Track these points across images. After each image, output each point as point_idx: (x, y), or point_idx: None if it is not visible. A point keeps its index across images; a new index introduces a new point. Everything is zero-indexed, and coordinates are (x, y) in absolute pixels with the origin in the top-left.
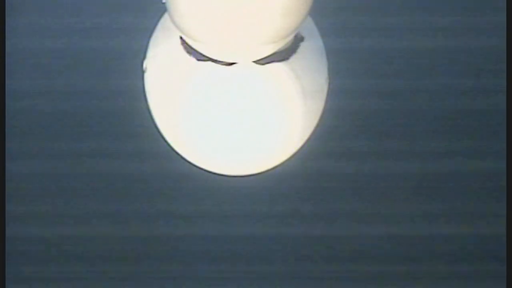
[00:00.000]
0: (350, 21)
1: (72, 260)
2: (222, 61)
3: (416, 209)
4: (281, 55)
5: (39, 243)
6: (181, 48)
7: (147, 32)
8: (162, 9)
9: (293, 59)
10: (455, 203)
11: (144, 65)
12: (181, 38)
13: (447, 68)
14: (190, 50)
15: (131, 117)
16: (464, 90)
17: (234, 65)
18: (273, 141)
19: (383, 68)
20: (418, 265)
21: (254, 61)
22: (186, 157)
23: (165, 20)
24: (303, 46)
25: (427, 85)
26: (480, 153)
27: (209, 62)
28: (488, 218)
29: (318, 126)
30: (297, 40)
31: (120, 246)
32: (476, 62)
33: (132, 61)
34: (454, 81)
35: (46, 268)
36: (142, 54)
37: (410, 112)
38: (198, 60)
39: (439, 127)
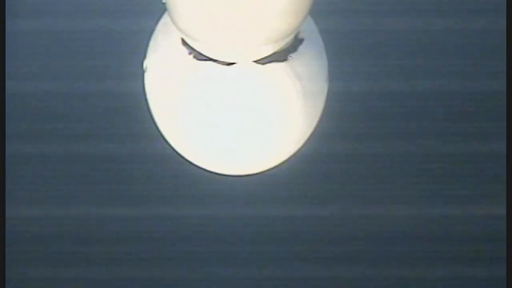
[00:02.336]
0: (351, 21)
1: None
2: (222, 61)
3: (419, 210)
4: (281, 55)
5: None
6: (181, 48)
7: (147, 32)
8: (162, 9)
9: (293, 59)
10: (455, 184)
11: (144, 65)
12: (181, 38)
13: (449, 69)
14: (190, 50)
15: (131, 117)
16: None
17: (234, 65)
18: (273, 141)
19: (384, 69)
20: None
21: (254, 61)
22: (186, 157)
23: (165, 20)
24: (303, 46)
25: (428, 84)
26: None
27: (209, 62)
28: (489, 200)
29: (318, 126)
30: (297, 40)
31: (118, 247)
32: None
33: (132, 61)
34: (455, 82)
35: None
36: (142, 54)
37: (412, 113)
38: (198, 60)
39: (440, 128)
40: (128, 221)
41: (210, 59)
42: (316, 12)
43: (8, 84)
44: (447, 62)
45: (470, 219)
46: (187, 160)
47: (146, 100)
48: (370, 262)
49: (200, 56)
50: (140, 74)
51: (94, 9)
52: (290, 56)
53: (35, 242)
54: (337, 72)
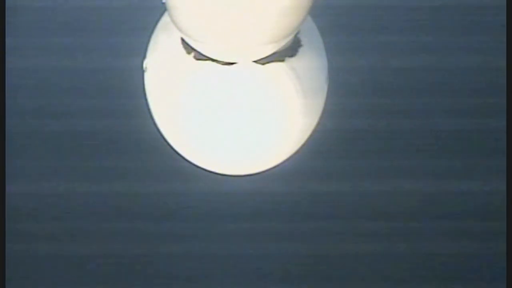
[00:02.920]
0: (350, 20)
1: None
2: (222, 61)
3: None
4: (281, 55)
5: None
6: (181, 48)
7: (147, 32)
8: (162, 9)
9: (293, 58)
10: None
11: (144, 65)
12: (181, 38)
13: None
14: (190, 50)
15: (131, 117)
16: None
17: (234, 64)
18: (273, 141)
19: (384, 67)
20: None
21: (254, 61)
22: (186, 157)
23: (165, 20)
24: (303, 45)
25: (430, 79)
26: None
27: (209, 62)
28: (489, 175)
29: (318, 125)
30: (297, 40)
31: (118, 244)
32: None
33: (132, 61)
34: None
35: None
36: (142, 54)
37: (412, 110)
38: (198, 59)
39: (439, 125)
40: (124, 218)
41: (210, 59)
42: (316, 11)
43: (9, 79)
44: (449, 59)
45: (475, 194)
46: (186, 160)
47: (146, 99)
48: (371, 257)
49: (200, 56)
50: (140, 73)
51: (94, 9)
52: (290, 56)
53: (24, 217)
54: (337, 71)
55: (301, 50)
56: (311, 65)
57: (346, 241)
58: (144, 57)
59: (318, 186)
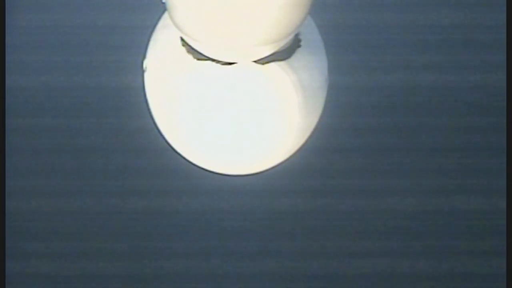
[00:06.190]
0: (350, 19)
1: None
2: (222, 61)
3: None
4: (281, 55)
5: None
6: (181, 47)
7: (147, 32)
8: (162, 9)
9: (293, 58)
10: (455, 179)
11: (144, 65)
12: (181, 38)
13: (450, 63)
14: (190, 50)
15: (131, 117)
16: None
17: (234, 65)
18: (273, 140)
19: (383, 66)
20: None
21: (254, 61)
22: (186, 157)
23: (165, 20)
24: (303, 45)
25: (429, 79)
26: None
27: (209, 62)
28: (489, 194)
29: (318, 124)
30: (297, 40)
31: (118, 243)
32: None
33: (132, 61)
34: (457, 76)
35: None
36: (142, 53)
37: (411, 108)
38: (198, 59)
39: (442, 123)
40: (123, 217)
41: (210, 59)
42: (316, 11)
43: (9, 78)
44: (447, 57)
45: (470, 213)
46: (187, 160)
47: (146, 99)
48: (371, 255)
49: (200, 56)
50: (140, 73)
51: (95, 8)
52: (290, 56)
53: (33, 236)
54: (337, 71)
55: (301, 50)
56: (311, 65)
57: (346, 239)
58: (144, 57)
59: (318, 185)
